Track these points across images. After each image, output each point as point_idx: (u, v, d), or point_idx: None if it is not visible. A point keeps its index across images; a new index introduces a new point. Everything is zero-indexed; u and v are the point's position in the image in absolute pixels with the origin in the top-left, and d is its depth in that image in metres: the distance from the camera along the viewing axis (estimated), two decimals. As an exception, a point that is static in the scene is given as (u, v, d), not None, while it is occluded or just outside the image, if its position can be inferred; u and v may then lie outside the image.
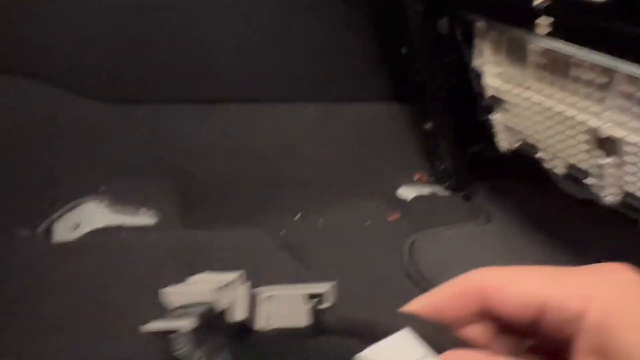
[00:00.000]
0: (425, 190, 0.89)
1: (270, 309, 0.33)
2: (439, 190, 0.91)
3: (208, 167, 0.72)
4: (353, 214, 0.80)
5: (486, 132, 0.78)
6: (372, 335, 0.29)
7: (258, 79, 0.77)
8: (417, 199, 0.87)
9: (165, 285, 0.52)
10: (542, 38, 0.57)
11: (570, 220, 0.80)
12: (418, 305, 0.28)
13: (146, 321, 0.49)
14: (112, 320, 0.47)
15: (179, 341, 0.30)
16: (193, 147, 0.73)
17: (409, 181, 0.90)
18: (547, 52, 0.59)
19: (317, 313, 0.32)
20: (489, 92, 0.70)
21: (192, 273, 0.56)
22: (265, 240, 0.64)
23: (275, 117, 0.79)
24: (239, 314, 0.33)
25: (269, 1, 0.75)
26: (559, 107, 0.61)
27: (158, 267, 0.54)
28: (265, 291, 0.34)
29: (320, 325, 0.32)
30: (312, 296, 0.32)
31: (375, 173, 0.86)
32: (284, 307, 0.33)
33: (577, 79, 0.57)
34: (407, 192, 0.88)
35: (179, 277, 0.55)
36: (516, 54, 0.63)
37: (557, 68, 0.59)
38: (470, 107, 0.78)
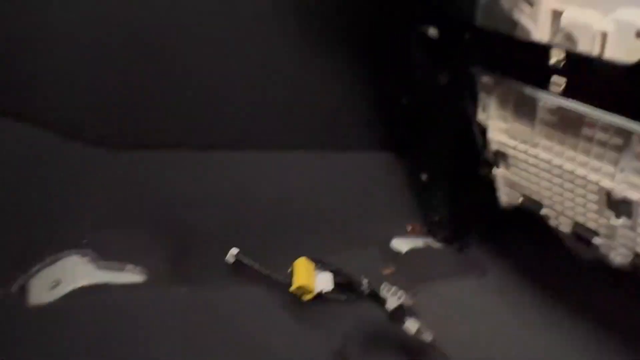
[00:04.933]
0: (419, 242, 0.87)
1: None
2: (432, 242, 0.88)
3: (201, 216, 0.67)
4: (347, 267, 0.77)
5: (486, 186, 0.77)
6: None
7: (254, 127, 0.74)
8: (411, 252, 0.84)
9: (164, 353, 0.47)
10: (554, 96, 0.57)
11: (567, 272, 0.79)
12: None
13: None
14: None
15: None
16: (186, 196, 0.68)
17: (403, 232, 0.87)
18: (558, 110, 0.58)
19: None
20: (493, 147, 0.69)
21: (189, 337, 0.51)
22: (265, 300, 0.60)
23: (271, 165, 0.76)
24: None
25: (267, 51, 0.73)
26: (569, 166, 0.60)
27: (151, 332, 0.49)
28: None
29: None
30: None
31: (370, 223, 0.84)
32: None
33: (589, 139, 0.57)
34: (400, 244, 0.85)
35: (176, 342, 0.50)
36: (524, 110, 0.63)
37: (568, 126, 0.58)
38: (469, 159, 0.76)
